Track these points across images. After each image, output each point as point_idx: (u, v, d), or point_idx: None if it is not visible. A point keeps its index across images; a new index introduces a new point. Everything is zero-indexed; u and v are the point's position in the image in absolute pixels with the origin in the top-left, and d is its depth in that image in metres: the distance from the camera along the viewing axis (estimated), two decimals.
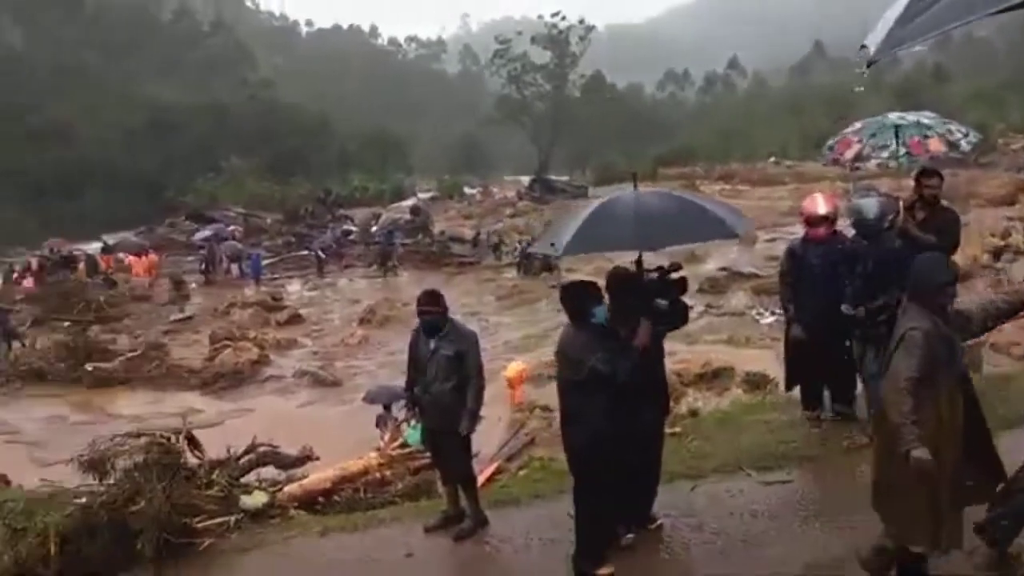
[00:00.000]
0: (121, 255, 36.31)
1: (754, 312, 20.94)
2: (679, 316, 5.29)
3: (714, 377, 14.54)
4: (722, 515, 5.82)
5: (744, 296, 22.93)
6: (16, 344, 23.01)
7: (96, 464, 6.49)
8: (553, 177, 62.57)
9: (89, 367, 19.54)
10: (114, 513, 6.08)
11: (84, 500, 6.34)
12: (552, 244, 5.65)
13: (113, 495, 6.20)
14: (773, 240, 28.04)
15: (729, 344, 17.80)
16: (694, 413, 10.51)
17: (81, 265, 34.47)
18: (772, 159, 61.95)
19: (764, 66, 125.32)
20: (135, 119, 73.08)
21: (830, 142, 9.30)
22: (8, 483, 11.46)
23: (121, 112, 74.74)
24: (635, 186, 5.42)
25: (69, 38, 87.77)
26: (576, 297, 5.22)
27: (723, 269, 25.49)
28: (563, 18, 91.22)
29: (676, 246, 5.75)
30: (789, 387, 7.62)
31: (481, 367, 5.91)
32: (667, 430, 6.39)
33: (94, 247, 40.72)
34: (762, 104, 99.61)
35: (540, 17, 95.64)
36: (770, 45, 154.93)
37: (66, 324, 25.46)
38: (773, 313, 20.34)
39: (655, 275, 5.17)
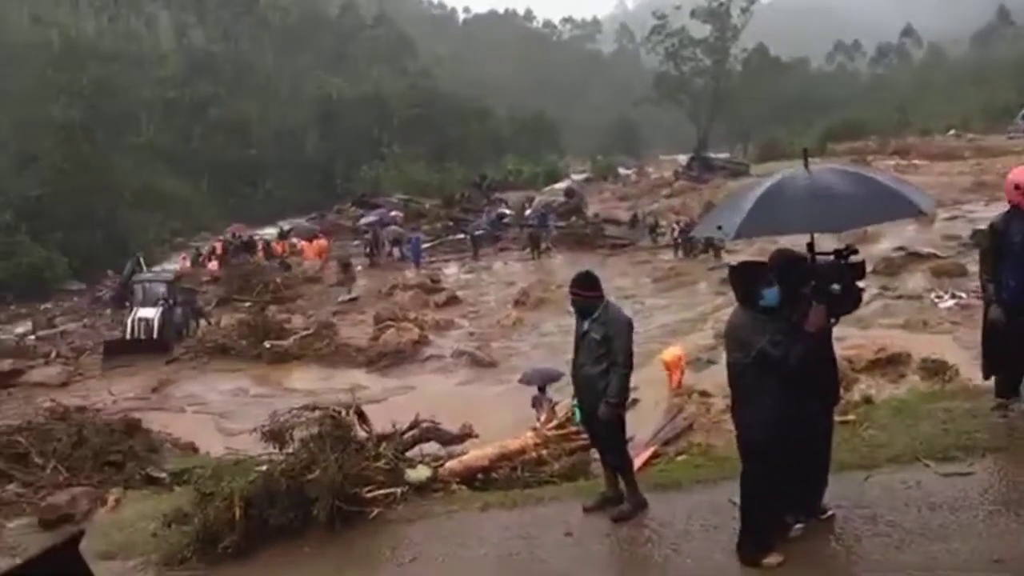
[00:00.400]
0: (295, 240, 38.52)
1: (933, 295, 19.61)
2: (852, 302, 5.01)
3: (889, 363, 13.78)
4: (897, 507, 5.49)
5: (922, 278, 21.54)
6: (203, 322, 24.99)
7: (276, 434, 6.94)
8: (712, 155, 60.76)
9: (267, 344, 20.93)
10: (292, 481, 6.46)
11: (265, 468, 6.79)
12: (719, 227, 5.27)
13: (291, 464, 6.60)
14: (953, 218, 26.16)
15: (905, 329, 16.82)
16: (867, 400, 9.96)
17: (260, 249, 36.91)
18: (952, 132, 57.67)
19: (941, 36, 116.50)
20: (305, 111, 77.23)
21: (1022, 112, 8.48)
22: (196, 451, 12.48)
23: (292, 105, 79.19)
24: (806, 164, 5.11)
25: (245, 36, 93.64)
26: (745, 278, 5.01)
27: (899, 249, 24.02)
28: None
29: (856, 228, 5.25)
30: (987, 375, 6.91)
31: (629, 354, 5.76)
32: (838, 418, 6.12)
33: (270, 232, 43.39)
34: (940, 75, 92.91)
35: None
36: (948, 13, 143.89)
37: (247, 304, 27.42)
38: (954, 296, 19.05)
39: (830, 258, 4.91)
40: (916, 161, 46.47)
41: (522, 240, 35.76)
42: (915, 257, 23.43)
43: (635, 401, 6.36)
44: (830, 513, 5.39)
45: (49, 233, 42.40)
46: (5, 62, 66.27)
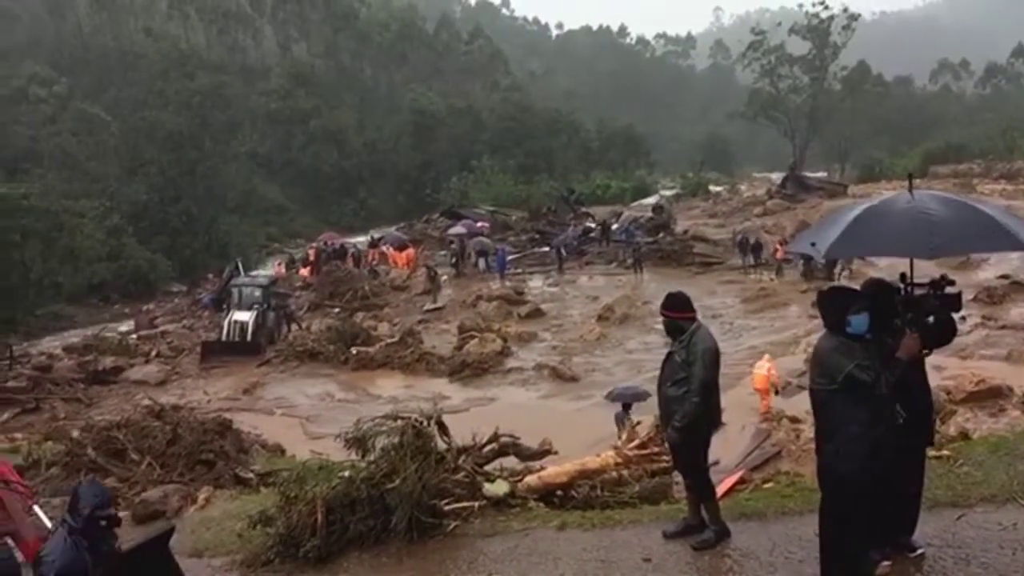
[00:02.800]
0: (384, 248, 39.26)
1: None
2: (947, 334, 4.78)
3: (988, 396, 13.13)
4: (991, 548, 5.24)
5: None
6: (294, 326, 25.66)
7: (359, 441, 7.02)
8: (808, 174, 59.23)
9: (354, 350, 21.32)
10: (372, 489, 6.52)
11: (348, 474, 6.87)
12: (813, 244, 5.16)
13: (372, 472, 6.65)
14: None
15: (1008, 361, 16.03)
16: (964, 435, 9.51)
17: (350, 257, 37.74)
18: None
19: None
20: (399, 124, 78.89)
21: None
22: (283, 452, 12.76)
23: (388, 117, 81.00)
24: (910, 188, 4.90)
25: (345, 50, 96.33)
26: (834, 304, 4.78)
27: (1003, 277, 22.99)
28: (825, 6, 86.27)
29: (960, 255, 5.02)
30: None
31: (705, 382, 5.53)
32: (932, 453, 5.85)
33: (362, 240, 44.35)
34: None
35: (800, 7, 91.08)
36: None
37: (336, 310, 28.06)
38: None
39: (927, 289, 4.69)
40: None
41: (608, 254, 35.55)
42: (1020, 286, 22.36)
43: (721, 425, 6.20)
44: (920, 551, 5.16)
45: (154, 236, 44.39)
46: (119, 71, 69.98)
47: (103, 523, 4.23)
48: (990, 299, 21.31)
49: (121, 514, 8.47)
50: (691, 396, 5.52)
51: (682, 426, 5.56)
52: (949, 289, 4.71)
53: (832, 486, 4.84)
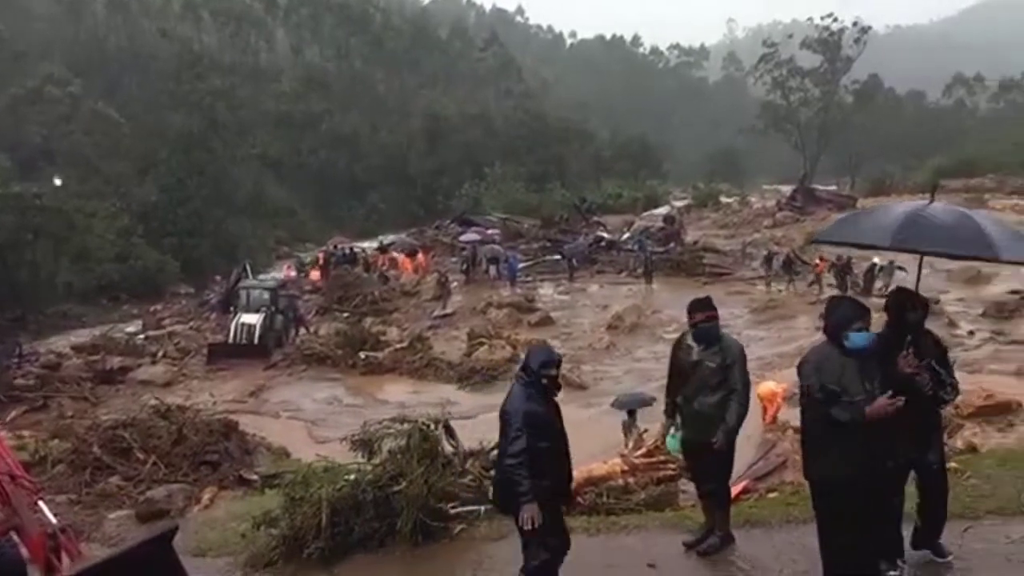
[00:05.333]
0: (395, 253, 39.29)
1: None
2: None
3: (997, 411, 13.01)
4: (998, 563, 5.28)
5: None
6: (302, 330, 25.67)
7: (366, 444, 7.02)
8: (818, 187, 59.11)
9: (362, 355, 21.31)
10: (378, 492, 6.52)
11: (353, 477, 6.86)
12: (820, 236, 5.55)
13: (379, 475, 6.65)
14: None
15: (1017, 376, 15.90)
16: (972, 448, 9.46)
17: (361, 261, 37.79)
18: None
19: None
20: (412, 129, 79.04)
21: None
22: (288, 455, 12.75)
23: (400, 123, 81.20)
24: (932, 199, 4.98)
25: (357, 54, 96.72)
26: (835, 314, 4.78)
27: (1014, 292, 22.80)
28: (835, 20, 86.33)
29: (927, 252, 5.12)
30: None
31: (748, 385, 5.60)
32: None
33: (372, 245, 44.40)
34: None
35: (810, 20, 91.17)
36: None
37: (345, 315, 28.07)
38: None
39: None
40: None
41: (619, 264, 35.51)
42: None
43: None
44: (949, 558, 5.23)
45: (163, 237, 44.54)
46: (133, 72, 70.41)
47: (544, 380, 5.03)
48: (999, 314, 21.17)
49: (126, 512, 8.52)
50: (737, 399, 5.53)
51: (733, 430, 5.55)
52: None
53: (815, 493, 4.92)
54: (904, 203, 5.16)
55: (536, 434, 4.98)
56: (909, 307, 4.95)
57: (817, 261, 28.72)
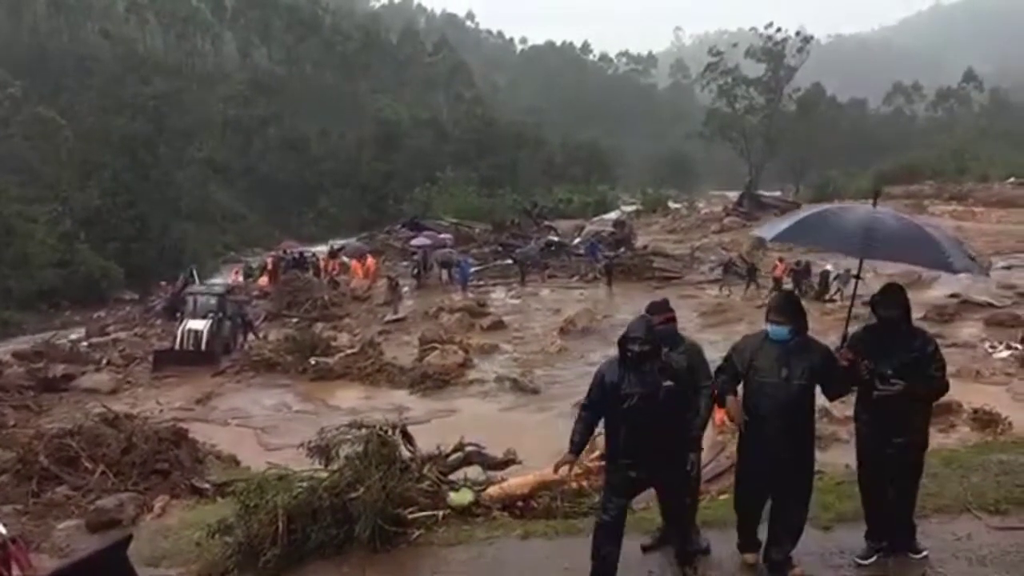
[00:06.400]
0: (345, 258, 38.97)
1: (987, 345, 19.18)
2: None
3: (939, 413, 13.38)
4: (946, 559, 5.41)
5: (975, 327, 21.06)
6: (251, 336, 25.31)
7: (322, 450, 6.98)
8: (763, 193, 60.33)
9: (313, 361, 21.07)
10: (335, 498, 6.46)
11: (309, 483, 6.81)
12: (766, 231, 5.85)
13: (335, 481, 6.60)
14: (1010, 267, 25.55)
15: (956, 378, 16.29)
16: None
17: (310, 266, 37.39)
18: (1011, 180, 56.57)
19: (1005, 82, 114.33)
20: (363, 133, 78.58)
21: None
22: (238, 463, 12.57)
23: (350, 127, 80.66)
24: (875, 203, 5.21)
25: (307, 58, 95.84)
26: (768, 305, 5.44)
27: (953, 296, 23.55)
28: (779, 29, 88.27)
29: (891, 263, 5.51)
30: None
31: (711, 378, 5.66)
32: None
33: (322, 250, 44.00)
34: (1002, 122, 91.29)
35: (753, 29, 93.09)
36: (1012, 60, 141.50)
37: (295, 320, 27.76)
38: (1009, 347, 18.58)
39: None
40: (974, 208, 45.66)
41: (570, 268, 35.76)
42: (969, 305, 22.97)
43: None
44: (924, 554, 5.42)
45: (107, 242, 43.52)
46: (75, 75, 68.70)
47: (629, 353, 5.13)
48: (940, 317, 21.80)
49: (75, 522, 8.34)
50: (704, 400, 5.58)
51: (704, 420, 5.65)
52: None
53: None
54: (854, 207, 5.41)
55: (602, 398, 5.27)
56: (883, 306, 5.17)
57: (776, 263, 29.26)
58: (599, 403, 5.31)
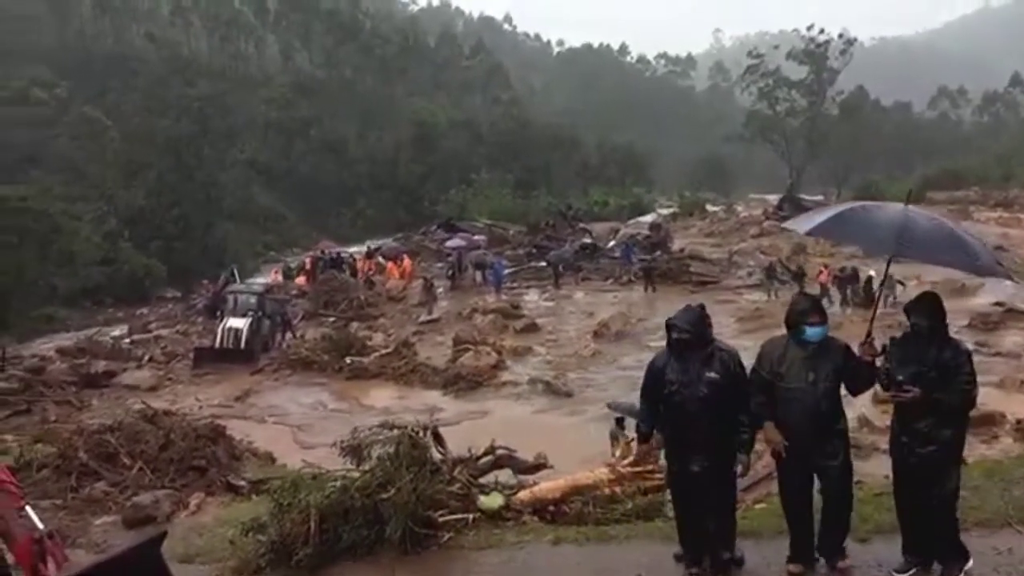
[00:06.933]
0: (382, 259, 39.23)
1: None
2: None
3: (981, 423, 13.09)
4: (986, 573, 5.28)
5: (1021, 336, 20.58)
6: (289, 335, 25.59)
7: (355, 450, 7.00)
8: (804, 196, 59.53)
9: (348, 360, 21.24)
10: (367, 499, 6.48)
11: (341, 483, 6.84)
12: (799, 225, 5.74)
13: (367, 481, 6.61)
14: None
15: (1000, 388, 16.03)
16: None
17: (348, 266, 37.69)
18: None
19: None
20: (400, 135, 79.09)
21: None
22: (274, 461, 12.69)
23: (388, 129, 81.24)
24: (907, 203, 5.12)
25: (347, 62, 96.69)
26: (792, 309, 5.33)
27: (998, 304, 23.04)
28: (822, 31, 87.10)
29: (921, 261, 5.44)
30: None
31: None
32: None
33: (358, 250, 44.35)
34: None
35: (795, 31, 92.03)
36: None
37: (331, 319, 28.00)
38: None
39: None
40: (1020, 215, 44.67)
41: (605, 271, 35.59)
42: (1014, 314, 22.46)
43: None
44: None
45: (150, 241, 44.28)
46: (120, 76, 70.07)
47: (671, 339, 5.33)
48: (984, 326, 21.35)
49: (112, 518, 8.47)
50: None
51: (752, 434, 5.61)
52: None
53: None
54: (886, 205, 5.35)
55: (652, 384, 5.44)
56: (914, 313, 5.09)
57: (821, 268, 28.74)
58: (650, 389, 5.47)
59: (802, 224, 5.58)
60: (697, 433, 5.25)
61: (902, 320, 5.44)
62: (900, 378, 5.01)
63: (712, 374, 5.21)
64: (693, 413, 5.22)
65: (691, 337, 5.26)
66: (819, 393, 5.11)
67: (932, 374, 4.94)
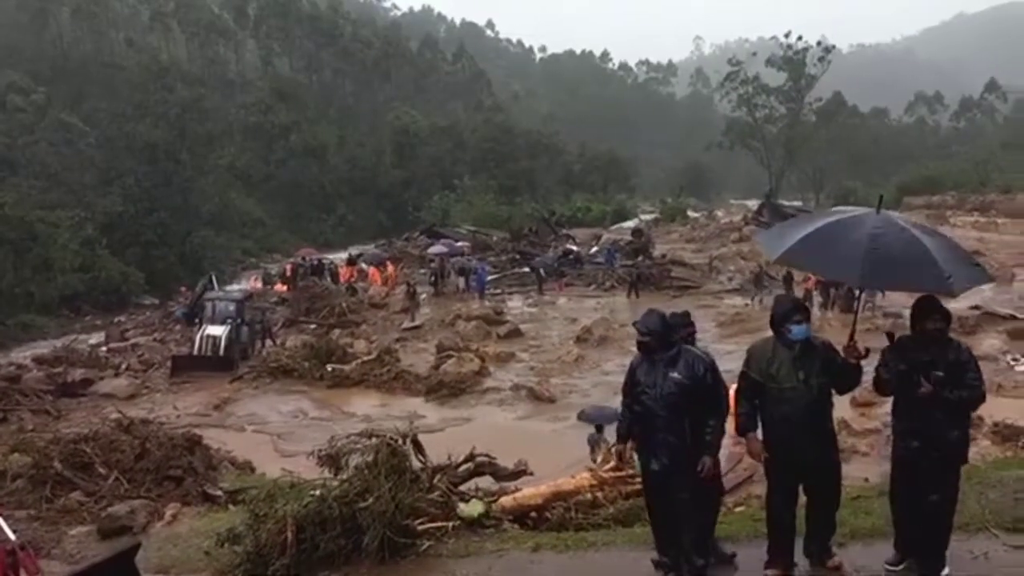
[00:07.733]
0: (363, 265, 39.09)
1: (1009, 358, 18.90)
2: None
3: None
4: None
5: (998, 339, 20.76)
6: (268, 342, 25.40)
7: (332, 459, 6.94)
8: (784, 202, 59.98)
9: (329, 367, 21.09)
10: (345, 508, 6.42)
11: (319, 492, 6.76)
12: (770, 246, 5.70)
13: (345, 490, 6.55)
14: None
15: None
16: None
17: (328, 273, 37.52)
18: None
19: None
20: (381, 141, 78.91)
21: None
22: (253, 470, 12.55)
23: (369, 134, 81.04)
24: (879, 209, 5.12)
25: (327, 67, 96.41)
26: (776, 310, 5.36)
27: (975, 308, 23.21)
28: (799, 38, 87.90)
29: (889, 290, 5.49)
30: None
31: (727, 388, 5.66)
32: None
33: (340, 257, 44.17)
34: None
35: (773, 38, 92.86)
36: None
37: (312, 327, 27.84)
38: None
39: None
40: (997, 219, 45.16)
41: (588, 277, 35.66)
42: (992, 317, 22.65)
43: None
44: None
45: (128, 248, 43.82)
46: (98, 82, 69.47)
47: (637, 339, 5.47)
48: (962, 329, 21.47)
49: (87, 528, 8.34)
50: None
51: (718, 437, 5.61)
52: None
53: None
54: (860, 220, 5.13)
55: (628, 383, 5.57)
56: (931, 320, 5.08)
57: (808, 276, 28.74)
58: (626, 388, 5.59)
59: (773, 246, 5.46)
60: (658, 432, 5.34)
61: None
62: (917, 378, 5.02)
63: (675, 375, 5.29)
64: (656, 412, 5.31)
65: (651, 340, 5.37)
66: (813, 392, 5.16)
67: (941, 373, 4.99)
